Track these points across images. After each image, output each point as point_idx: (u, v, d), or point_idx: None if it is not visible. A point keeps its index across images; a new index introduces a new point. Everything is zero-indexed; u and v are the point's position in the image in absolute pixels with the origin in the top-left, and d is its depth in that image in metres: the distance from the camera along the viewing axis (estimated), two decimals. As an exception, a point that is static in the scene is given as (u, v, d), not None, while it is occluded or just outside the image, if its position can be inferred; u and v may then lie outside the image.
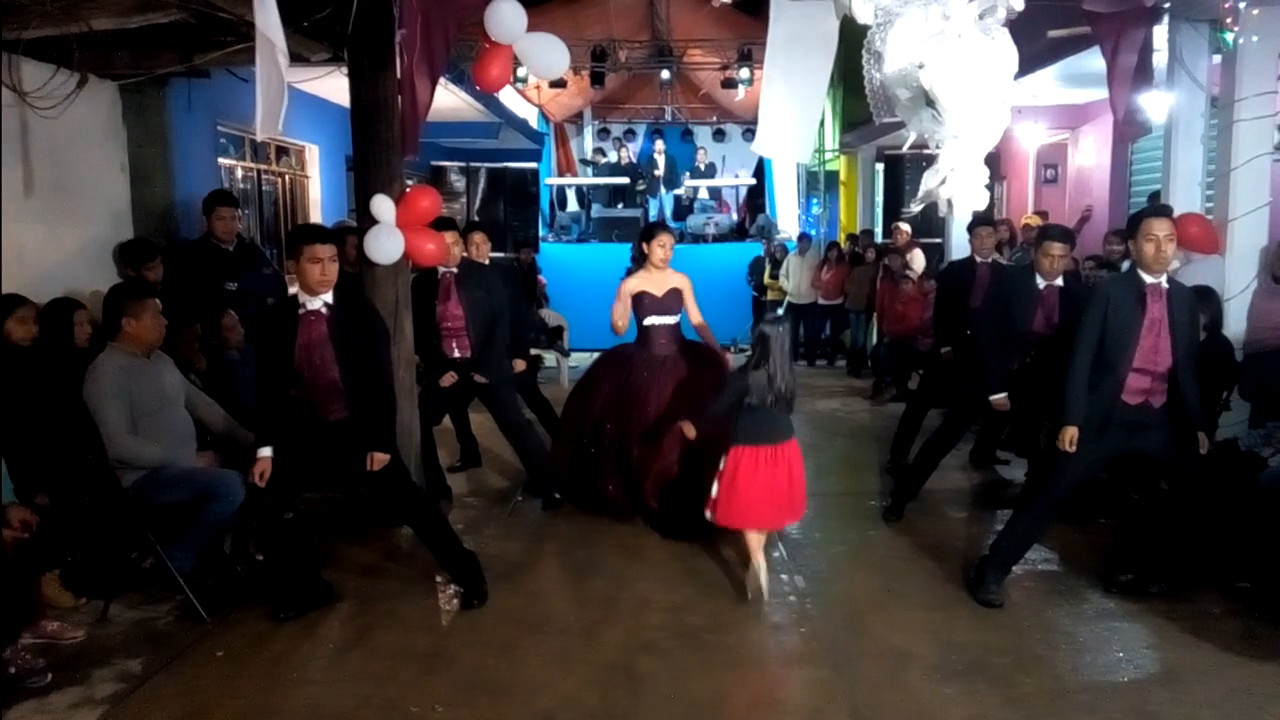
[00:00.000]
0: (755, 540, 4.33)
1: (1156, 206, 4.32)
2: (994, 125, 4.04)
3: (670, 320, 5.51)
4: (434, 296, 5.54)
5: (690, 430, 4.56)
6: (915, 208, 4.54)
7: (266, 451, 4.03)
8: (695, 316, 5.63)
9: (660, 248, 5.47)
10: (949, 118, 3.89)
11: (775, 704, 3.46)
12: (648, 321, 5.48)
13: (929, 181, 4.20)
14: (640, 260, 5.72)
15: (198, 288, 5.64)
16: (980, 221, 6.21)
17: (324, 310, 4.10)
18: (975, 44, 3.84)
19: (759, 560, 4.30)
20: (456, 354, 5.60)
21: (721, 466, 4.34)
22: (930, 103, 3.87)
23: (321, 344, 4.07)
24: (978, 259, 6.21)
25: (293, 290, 4.30)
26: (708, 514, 4.40)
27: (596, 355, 6.11)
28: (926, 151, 4.31)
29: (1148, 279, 4.11)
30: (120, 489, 4.16)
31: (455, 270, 5.58)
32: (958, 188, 4.10)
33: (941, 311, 6.51)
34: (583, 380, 5.84)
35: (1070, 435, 4.13)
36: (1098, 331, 4.15)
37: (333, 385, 4.11)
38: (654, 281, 5.50)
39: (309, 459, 4.17)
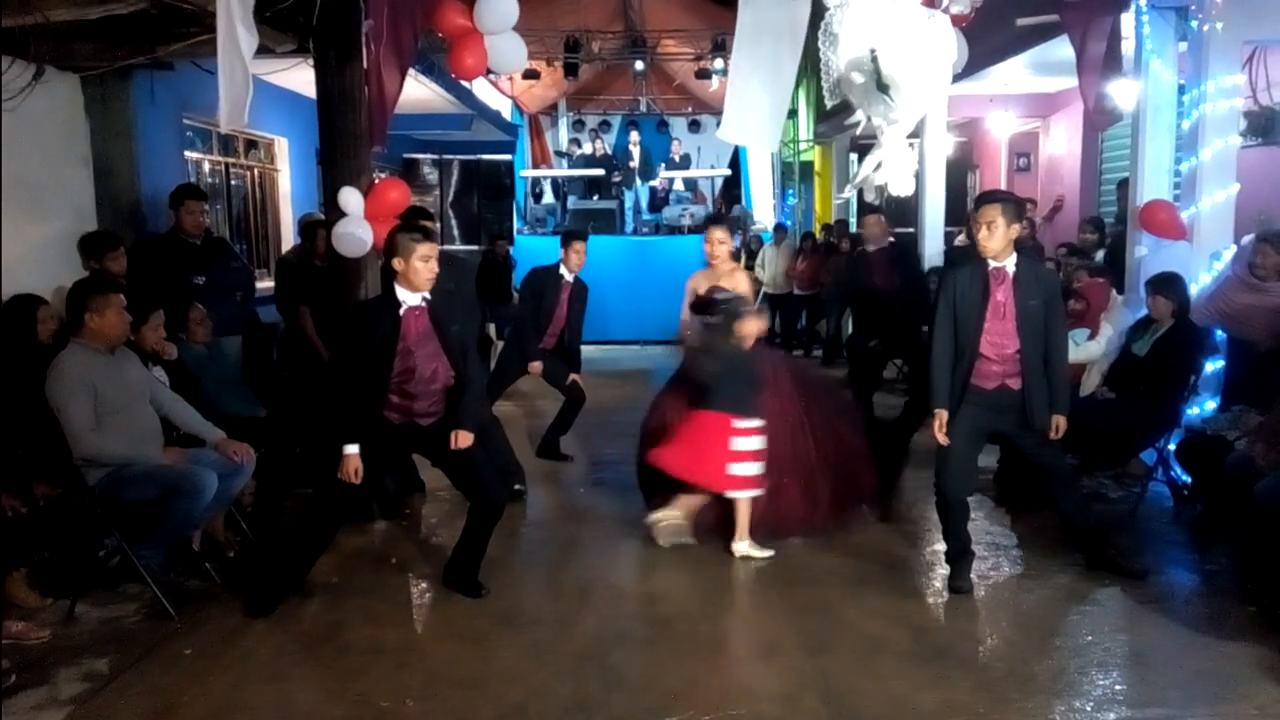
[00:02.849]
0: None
1: (985, 193, 4.42)
2: (921, 111, 4.07)
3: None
4: None
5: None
6: (848, 192, 4.60)
7: (354, 449, 4.03)
8: None
9: (709, 244, 5.06)
10: (899, 103, 3.91)
11: (748, 692, 3.46)
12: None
13: (867, 167, 4.23)
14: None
15: (165, 282, 5.58)
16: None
17: (424, 304, 4.12)
18: (920, 30, 3.85)
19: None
20: None
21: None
22: (883, 88, 3.88)
23: (427, 336, 4.11)
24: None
25: (262, 284, 4.26)
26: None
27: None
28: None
29: (991, 263, 4.16)
30: (85, 487, 4.11)
31: None
32: (890, 174, 4.13)
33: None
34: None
35: (940, 419, 4.22)
36: (950, 317, 4.21)
37: (438, 376, 4.14)
38: (715, 280, 5.07)
39: (389, 458, 4.25)
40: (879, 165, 4.18)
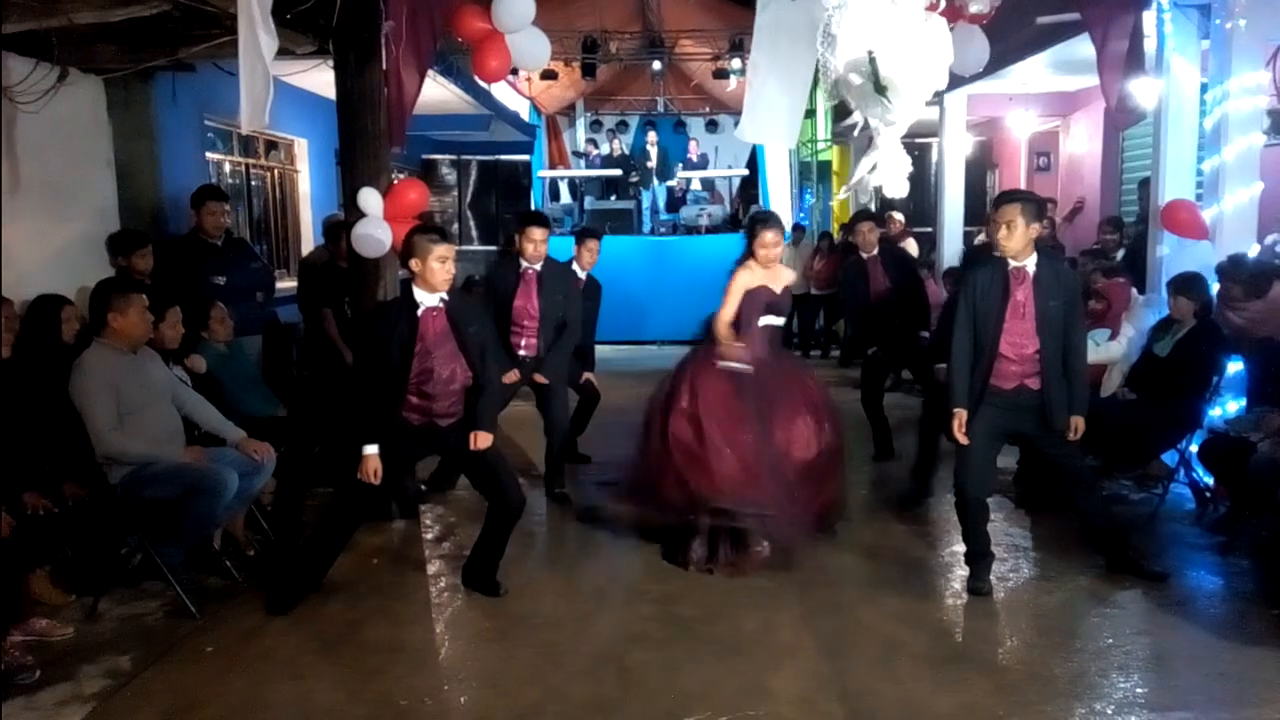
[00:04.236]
0: None
1: (1004, 193, 4.40)
2: (916, 113, 4.06)
3: (780, 321, 5.08)
4: (513, 289, 5.56)
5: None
6: (843, 194, 4.56)
7: (373, 449, 4.05)
8: None
9: (765, 247, 4.80)
10: (897, 104, 3.88)
11: (765, 693, 3.46)
12: (762, 322, 4.88)
13: (862, 169, 4.22)
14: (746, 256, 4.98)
15: (185, 282, 5.62)
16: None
17: (441, 304, 4.14)
18: (918, 32, 3.83)
19: None
20: (522, 352, 5.60)
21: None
22: (881, 90, 3.85)
23: (445, 337, 4.14)
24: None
25: (281, 284, 4.29)
26: None
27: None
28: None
29: (1011, 263, 4.14)
30: (108, 485, 4.15)
31: (539, 268, 5.57)
32: (885, 176, 4.11)
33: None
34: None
35: (960, 419, 4.20)
36: (970, 316, 4.21)
37: (456, 377, 4.15)
38: (769, 276, 4.91)
39: (408, 458, 4.32)
40: (874, 167, 4.16)
